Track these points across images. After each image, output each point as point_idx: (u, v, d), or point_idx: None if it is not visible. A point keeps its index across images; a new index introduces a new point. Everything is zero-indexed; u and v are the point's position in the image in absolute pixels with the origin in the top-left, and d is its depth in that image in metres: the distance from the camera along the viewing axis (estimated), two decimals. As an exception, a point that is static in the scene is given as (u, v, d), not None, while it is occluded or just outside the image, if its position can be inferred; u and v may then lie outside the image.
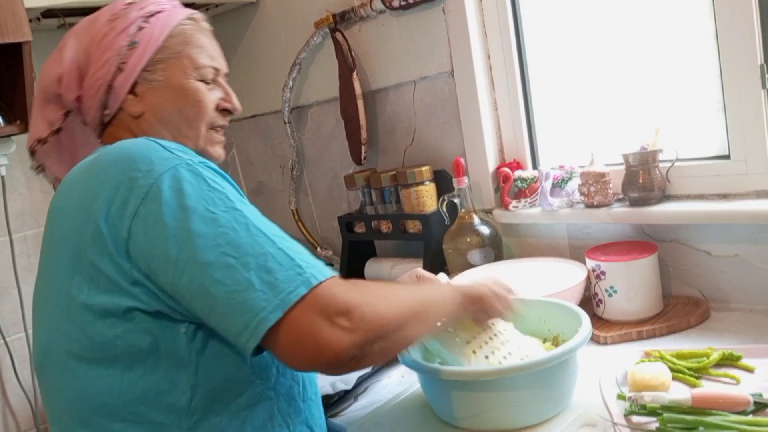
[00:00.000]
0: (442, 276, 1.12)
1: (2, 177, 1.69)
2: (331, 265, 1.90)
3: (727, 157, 1.23)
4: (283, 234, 0.80)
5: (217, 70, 0.99)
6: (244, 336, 0.73)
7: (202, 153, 0.96)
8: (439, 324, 0.93)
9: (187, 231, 0.75)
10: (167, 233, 0.76)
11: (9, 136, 1.59)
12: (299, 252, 0.78)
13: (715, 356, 0.99)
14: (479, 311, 0.97)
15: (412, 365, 0.98)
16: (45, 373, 0.87)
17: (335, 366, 0.75)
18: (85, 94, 0.95)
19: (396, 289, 0.89)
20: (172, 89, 0.95)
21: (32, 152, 1.02)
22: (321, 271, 0.76)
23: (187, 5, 1.02)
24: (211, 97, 0.98)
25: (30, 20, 1.46)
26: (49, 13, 1.60)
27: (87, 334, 0.80)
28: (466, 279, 1.09)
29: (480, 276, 1.37)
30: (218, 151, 1.01)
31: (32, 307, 0.91)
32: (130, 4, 0.96)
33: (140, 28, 0.93)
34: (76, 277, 0.80)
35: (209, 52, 0.98)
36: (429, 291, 0.95)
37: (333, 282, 0.76)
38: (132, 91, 0.94)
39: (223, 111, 1.00)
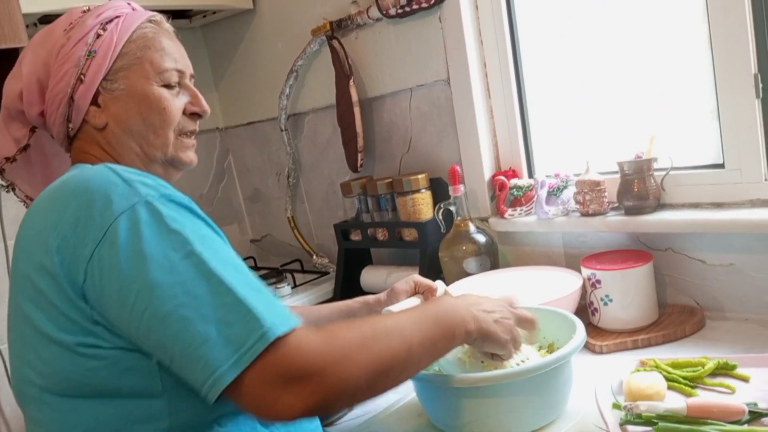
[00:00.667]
0: (439, 283, 1.12)
1: (-3, 183, 1.69)
2: (327, 273, 1.90)
3: (722, 166, 1.24)
4: (246, 273, 0.75)
5: (181, 72, 0.95)
6: (203, 390, 0.70)
7: (173, 160, 0.94)
8: (437, 358, 0.88)
9: (143, 280, 0.72)
10: (122, 281, 0.72)
11: (4, 142, 1.58)
12: (261, 299, 0.73)
13: (710, 365, 0.99)
14: (484, 345, 0.92)
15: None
16: (24, 406, 0.85)
17: (292, 421, 0.74)
18: (47, 109, 0.92)
19: (383, 331, 0.79)
20: (135, 97, 0.91)
21: (0, 171, 0.99)
22: (283, 322, 0.71)
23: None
24: (177, 102, 0.94)
25: (27, 26, 1.46)
26: (45, 18, 1.60)
27: (55, 371, 0.78)
28: (468, 292, 1.06)
29: (485, 290, 1.37)
30: (190, 156, 0.97)
31: (7, 337, 0.88)
32: (86, 11, 0.93)
33: (98, 36, 0.90)
34: (39, 313, 0.78)
35: (172, 55, 0.94)
36: (422, 330, 0.82)
37: (294, 338, 0.71)
38: (94, 102, 0.91)
39: (192, 115, 0.96)
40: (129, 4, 0.95)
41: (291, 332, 0.71)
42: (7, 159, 0.97)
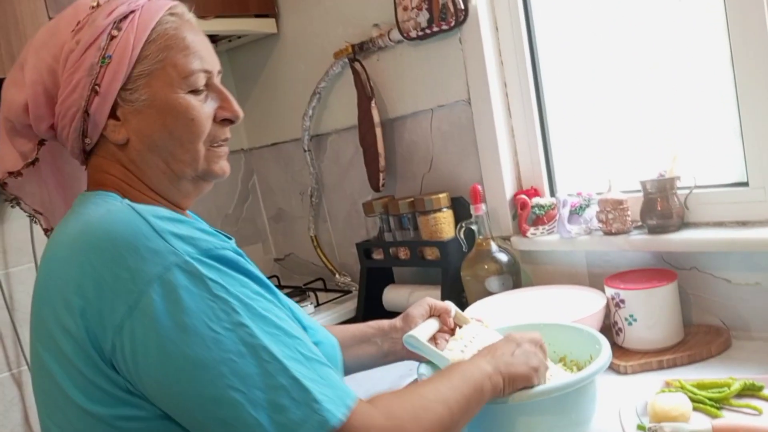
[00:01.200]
0: (450, 304, 1.11)
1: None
2: (349, 292, 1.91)
3: (746, 184, 1.23)
4: (296, 339, 0.69)
5: (209, 72, 0.82)
6: None
7: (205, 174, 0.84)
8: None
9: (184, 358, 0.64)
10: (160, 359, 0.64)
11: (36, 165, 1.62)
12: (315, 375, 0.67)
13: (736, 386, 0.98)
14: (514, 389, 0.89)
15: None
16: None
17: None
18: (58, 122, 0.80)
19: (426, 401, 0.77)
20: (159, 108, 0.79)
21: (2, 185, 0.88)
22: (338, 405, 0.66)
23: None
24: (206, 109, 0.82)
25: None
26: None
27: None
28: (490, 330, 1.06)
29: (508, 309, 1.36)
30: (223, 166, 0.86)
31: (33, 390, 0.80)
32: (95, 7, 0.80)
33: (111, 38, 0.77)
34: (66, 379, 0.69)
35: (198, 53, 0.81)
36: (462, 394, 0.80)
37: (352, 419, 0.67)
38: (113, 114, 0.79)
39: (224, 121, 0.84)
40: None
41: (348, 415, 0.66)
42: (11, 173, 0.86)
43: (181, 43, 0.80)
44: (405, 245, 1.67)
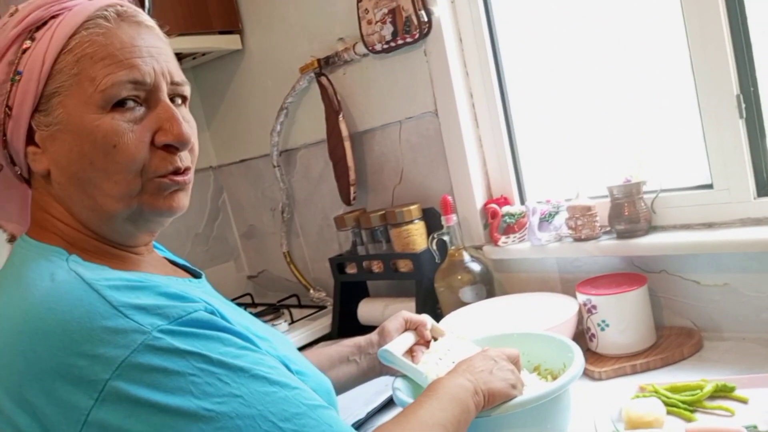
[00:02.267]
0: (426, 317, 1.10)
1: None
2: (324, 307, 1.90)
3: (711, 186, 1.25)
4: (297, 395, 0.64)
5: (143, 83, 0.66)
6: None
7: (143, 211, 0.69)
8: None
9: None
10: None
11: None
12: (323, 427, 0.63)
13: (708, 388, 0.99)
14: (494, 402, 0.88)
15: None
16: None
17: None
18: None
19: (428, 422, 0.75)
20: (74, 133, 0.65)
21: None
22: None
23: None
24: (138, 134, 0.66)
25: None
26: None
27: None
28: (464, 343, 1.06)
29: (482, 319, 1.36)
30: (172, 202, 0.70)
31: None
32: (12, 14, 0.68)
33: (24, 51, 0.65)
34: None
35: (128, 61, 0.65)
36: (449, 417, 0.79)
37: None
38: (32, 141, 0.67)
39: (168, 147, 0.68)
40: None
41: None
42: None
43: (103, 50, 0.64)
44: (378, 258, 1.66)
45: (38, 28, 0.65)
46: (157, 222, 0.74)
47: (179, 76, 0.71)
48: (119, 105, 0.66)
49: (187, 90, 0.73)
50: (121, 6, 0.68)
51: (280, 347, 0.77)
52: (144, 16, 0.69)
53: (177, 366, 0.57)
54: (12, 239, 0.80)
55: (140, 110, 0.67)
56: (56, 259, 0.66)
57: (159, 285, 0.63)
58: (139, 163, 0.67)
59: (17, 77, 0.65)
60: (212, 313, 0.64)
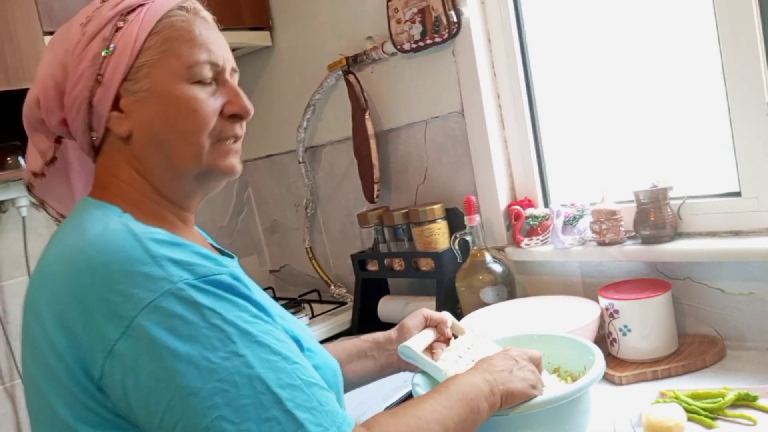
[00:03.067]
0: (446, 315, 1.11)
1: (23, 218, 1.73)
2: (344, 303, 1.91)
3: (738, 194, 1.23)
4: (291, 374, 0.67)
5: (217, 66, 0.79)
6: None
7: (210, 171, 0.80)
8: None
9: (177, 386, 0.62)
10: (151, 386, 0.62)
11: (30, 178, 1.62)
12: (314, 404, 0.66)
13: (730, 396, 0.98)
14: (512, 402, 0.88)
15: None
16: None
17: None
18: (68, 116, 0.79)
19: (423, 424, 0.76)
20: (160, 99, 0.76)
21: (29, 188, 0.88)
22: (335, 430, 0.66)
23: None
24: (213, 103, 0.79)
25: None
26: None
27: None
28: (485, 343, 1.06)
29: (508, 342, 1.36)
30: (231, 163, 0.81)
31: (27, 410, 0.77)
32: (104, 1, 0.79)
33: (117, 29, 0.76)
34: (56, 396, 0.68)
35: (206, 45, 0.78)
36: (460, 409, 0.80)
37: None
38: (116, 107, 0.77)
39: (233, 116, 0.81)
40: None
41: None
42: (35, 174, 0.86)
43: (187, 34, 0.78)
44: (400, 256, 1.67)
45: (128, 13, 0.77)
46: (216, 183, 0.84)
47: (235, 64, 0.84)
48: (198, 80, 0.78)
49: (237, 77, 0.86)
50: (193, 3, 0.81)
51: (294, 327, 0.81)
52: (208, 14, 0.83)
53: (193, 317, 0.64)
54: (60, 219, 0.90)
55: (212, 86, 0.80)
56: (111, 214, 0.75)
57: (195, 246, 0.71)
58: (210, 126, 0.78)
59: (111, 50, 0.76)
60: (236, 279, 0.70)
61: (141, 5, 0.77)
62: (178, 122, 0.77)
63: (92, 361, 0.65)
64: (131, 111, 0.77)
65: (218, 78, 0.80)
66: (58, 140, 0.85)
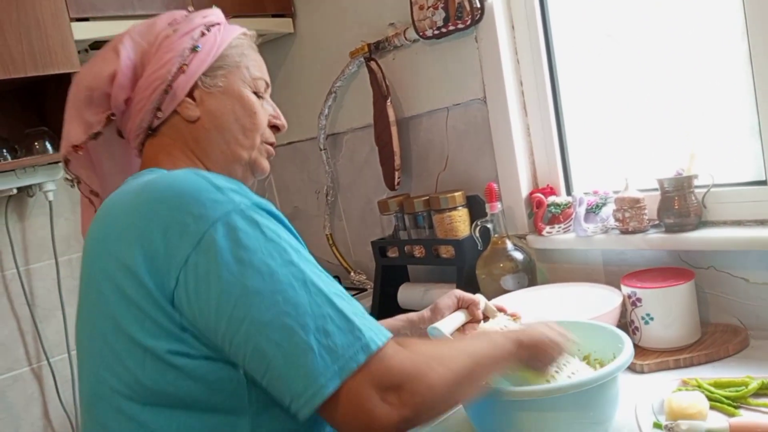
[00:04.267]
0: (479, 297, 1.12)
1: (50, 202, 1.76)
2: (364, 290, 1.92)
3: (764, 182, 1.22)
4: (337, 288, 0.75)
5: (267, 84, 0.99)
6: (300, 402, 0.69)
7: (254, 164, 0.95)
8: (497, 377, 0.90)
9: (243, 287, 0.70)
10: (221, 288, 0.71)
11: (57, 162, 1.65)
12: (355, 312, 0.74)
13: (753, 385, 0.98)
14: (534, 359, 0.92)
15: None
16: (94, 413, 0.81)
17: None
18: (137, 95, 0.91)
19: (451, 350, 0.84)
20: (230, 96, 0.93)
21: (66, 162, 0.97)
22: (377, 335, 0.73)
23: None
24: (264, 111, 0.97)
25: (78, 51, 1.53)
26: (96, 45, 1.68)
27: (137, 378, 0.75)
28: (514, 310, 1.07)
29: (535, 319, 1.37)
30: (266, 163, 0.98)
31: (76, 339, 0.85)
32: (191, 11, 0.97)
33: (203, 34, 0.92)
34: (121, 317, 0.75)
35: (262, 67, 0.98)
36: (485, 347, 0.87)
37: (389, 349, 0.73)
38: (190, 94, 0.92)
39: (272, 127, 0.99)
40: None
41: (385, 344, 0.73)
42: (75, 147, 0.94)
43: (252, 54, 0.97)
44: (420, 243, 1.67)
45: (212, 26, 0.94)
46: (250, 176, 0.97)
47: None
48: (255, 91, 0.96)
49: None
50: (251, 33, 1.00)
51: None
52: (255, 42, 1.00)
53: (254, 231, 0.74)
54: (92, 196, 1.00)
55: (262, 99, 0.97)
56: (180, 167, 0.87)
57: (248, 190, 0.81)
58: (262, 128, 0.96)
59: (197, 49, 0.92)
60: (285, 218, 0.81)
61: (219, 23, 0.95)
62: (241, 118, 0.93)
63: (168, 273, 0.73)
64: (204, 100, 0.92)
65: (265, 95, 0.98)
66: (108, 117, 0.94)
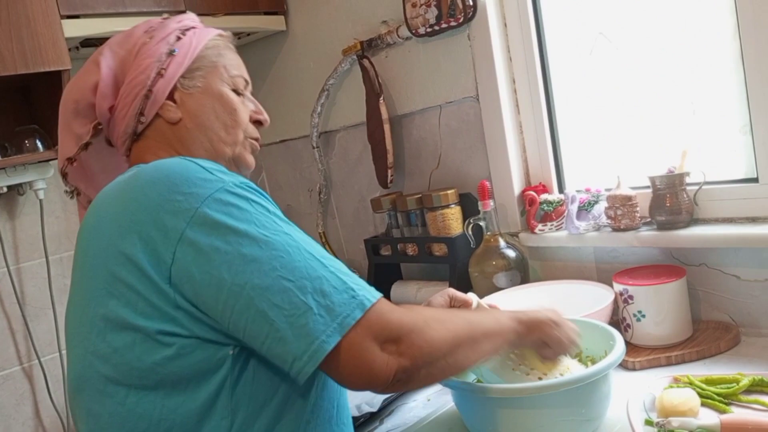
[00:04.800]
0: (471, 296, 1.12)
1: (40, 201, 1.75)
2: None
3: (756, 180, 1.23)
4: (326, 254, 0.79)
5: (246, 81, 1.01)
6: (302, 360, 0.72)
7: (238, 159, 0.98)
8: (495, 353, 0.91)
9: (241, 255, 0.74)
10: (219, 259, 0.74)
11: (48, 161, 1.64)
12: (347, 273, 0.78)
13: (744, 382, 0.98)
14: (537, 340, 0.95)
15: (451, 383, 0.98)
16: (80, 398, 0.83)
17: (383, 388, 0.76)
18: (120, 102, 0.94)
19: (449, 315, 0.89)
20: (209, 95, 0.95)
21: (64, 175, 1.01)
22: (371, 293, 0.77)
23: None
24: (245, 108, 0.99)
25: (69, 49, 1.52)
26: (87, 42, 1.67)
27: (125, 360, 0.77)
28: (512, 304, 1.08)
29: (537, 304, 1.37)
30: (251, 158, 1.01)
31: (65, 329, 0.88)
32: (165, 18, 0.99)
33: (178, 38, 0.95)
34: (112, 300, 0.78)
35: (240, 65, 1.01)
36: (484, 318, 0.92)
37: (384, 305, 0.77)
38: (170, 97, 0.94)
39: (255, 123, 1.02)
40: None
41: (380, 301, 0.77)
42: (69, 160, 0.99)
43: (229, 54, 0.99)
44: (413, 241, 1.67)
45: (186, 30, 0.97)
46: (239, 170, 0.98)
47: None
48: (234, 89, 0.98)
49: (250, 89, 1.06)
50: (227, 33, 1.03)
51: None
52: (233, 42, 1.03)
53: (245, 205, 0.77)
54: (88, 202, 1.03)
55: (242, 96, 1.00)
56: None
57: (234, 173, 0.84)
58: (244, 124, 0.98)
59: (174, 53, 0.94)
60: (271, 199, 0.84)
61: (194, 27, 0.98)
62: (221, 115, 0.95)
63: (164, 251, 0.75)
64: (184, 101, 0.95)
65: (244, 92, 1.01)
66: (95, 127, 0.98)
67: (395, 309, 0.78)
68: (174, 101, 0.94)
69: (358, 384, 0.75)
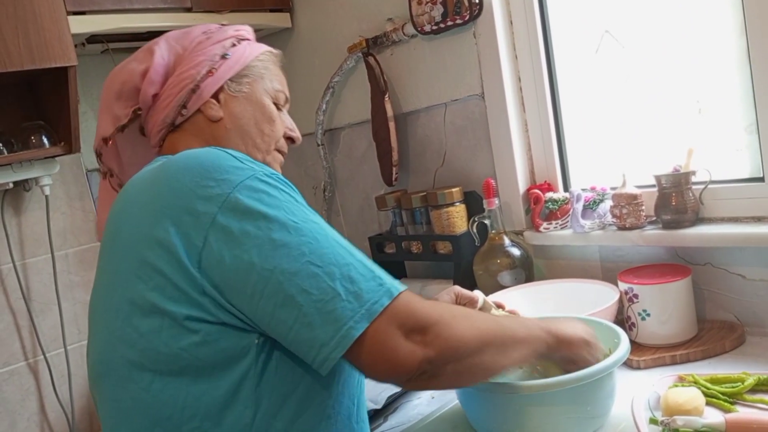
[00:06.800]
0: (477, 293, 1.12)
1: (46, 197, 1.75)
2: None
3: (762, 179, 1.22)
4: (354, 246, 0.79)
5: (287, 98, 1.06)
6: (329, 346, 0.73)
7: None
8: (524, 361, 0.90)
9: (270, 240, 0.75)
10: (250, 243, 0.74)
11: (53, 156, 1.65)
12: (374, 264, 0.78)
13: (749, 381, 0.98)
14: (566, 356, 0.94)
15: None
16: (103, 383, 0.83)
17: (407, 380, 0.76)
18: (165, 92, 0.97)
19: (478, 314, 0.89)
20: (252, 103, 1.00)
21: (99, 155, 1.04)
22: (396, 284, 0.77)
23: None
24: (282, 122, 1.03)
25: (75, 45, 1.53)
26: (93, 38, 1.67)
27: (151, 345, 0.77)
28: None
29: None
30: (278, 169, 1.03)
31: (89, 314, 0.88)
32: (225, 24, 1.04)
33: (233, 45, 1.00)
34: (140, 284, 0.78)
35: (283, 82, 1.06)
36: (514, 323, 0.90)
37: (411, 295, 0.77)
38: (214, 96, 0.98)
39: (287, 139, 1.05)
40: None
41: (406, 291, 0.77)
42: (104, 139, 1.01)
43: (275, 70, 1.05)
44: (417, 239, 1.67)
45: (242, 40, 1.02)
46: None
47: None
48: (276, 102, 1.03)
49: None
50: (277, 51, 1.07)
51: None
52: (281, 59, 1.08)
53: (274, 192, 0.78)
54: (119, 188, 1.05)
55: (281, 112, 1.05)
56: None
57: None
58: (278, 136, 1.03)
59: (227, 56, 0.99)
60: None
61: (248, 39, 1.04)
62: (260, 123, 1.00)
63: (196, 236, 0.76)
64: (227, 103, 0.99)
65: (283, 107, 1.05)
66: (135, 111, 1.00)
67: (422, 300, 0.78)
68: (218, 100, 0.98)
69: (381, 372, 0.75)
